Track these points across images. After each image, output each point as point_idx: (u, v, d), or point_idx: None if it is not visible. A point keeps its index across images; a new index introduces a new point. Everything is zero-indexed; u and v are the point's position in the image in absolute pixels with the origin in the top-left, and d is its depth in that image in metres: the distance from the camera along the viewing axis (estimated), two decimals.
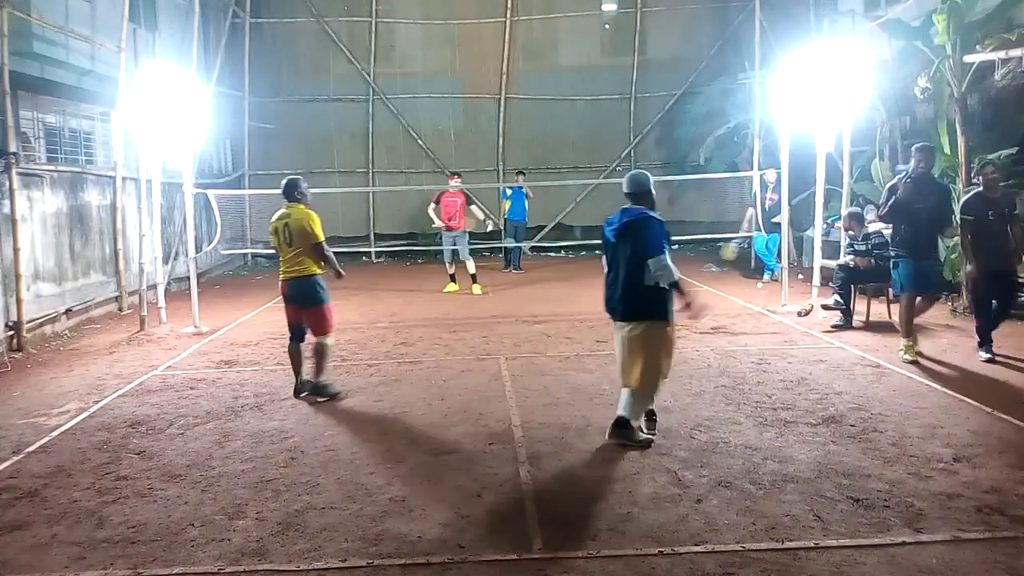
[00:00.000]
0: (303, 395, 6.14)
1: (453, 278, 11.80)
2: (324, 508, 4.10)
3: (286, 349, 6.38)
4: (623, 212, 4.83)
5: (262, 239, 16.32)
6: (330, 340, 6.20)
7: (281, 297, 6.34)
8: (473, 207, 12.06)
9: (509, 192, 13.96)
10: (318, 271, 6.17)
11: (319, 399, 6.04)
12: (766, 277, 12.00)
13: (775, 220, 11.37)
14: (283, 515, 4.02)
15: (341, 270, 6.36)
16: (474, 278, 11.60)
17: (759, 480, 4.27)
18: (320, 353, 6.12)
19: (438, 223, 11.61)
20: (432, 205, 11.73)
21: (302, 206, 6.19)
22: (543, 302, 10.66)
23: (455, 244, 11.60)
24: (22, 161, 8.66)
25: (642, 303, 4.66)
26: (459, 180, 11.83)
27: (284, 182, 6.35)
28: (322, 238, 6.12)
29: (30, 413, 5.97)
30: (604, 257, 4.99)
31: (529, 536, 3.70)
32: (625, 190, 4.92)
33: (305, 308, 6.16)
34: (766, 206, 11.78)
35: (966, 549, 3.47)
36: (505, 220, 14.50)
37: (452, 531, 3.78)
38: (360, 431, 5.33)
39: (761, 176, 11.77)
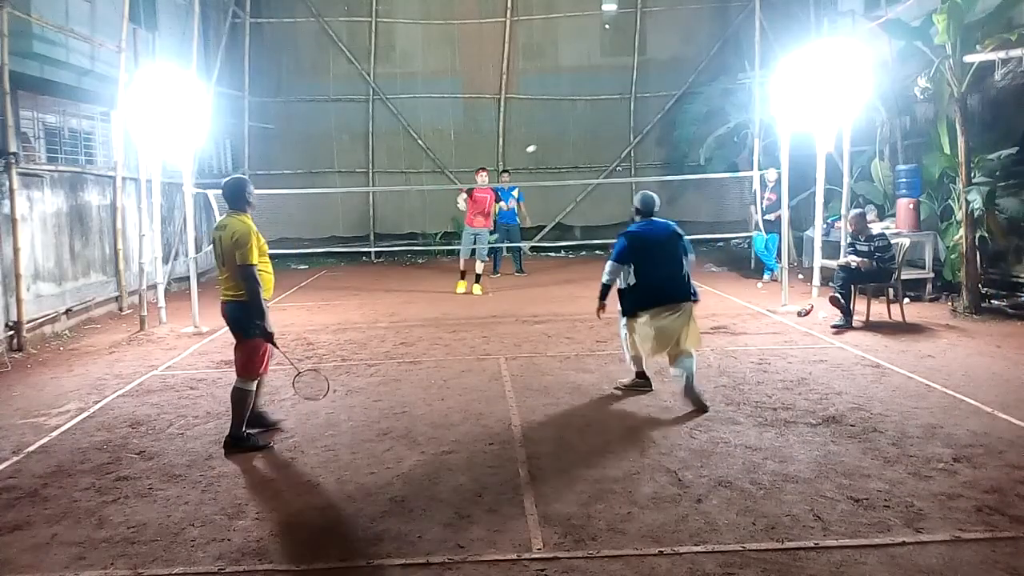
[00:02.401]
0: (258, 432, 5.25)
1: (463, 275, 11.68)
2: (324, 508, 4.10)
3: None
4: (654, 222, 5.95)
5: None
6: (248, 386, 5.10)
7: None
8: (500, 204, 11.92)
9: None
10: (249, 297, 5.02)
11: (236, 451, 4.99)
12: (766, 277, 11.99)
13: (768, 218, 11.35)
14: (283, 515, 4.02)
15: (269, 324, 5.06)
16: (478, 278, 11.61)
17: (759, 480, 4.27)
18: (235, 400, 5.08)
19: (462, 206, 11.52)
20: (463, 195, 11.62)
21: (243, 217, 5.05)
22: (543, 302, 10.66)
23: (475, 242, 11.55)
24: (22, 161, 8.65)
25: (691, 287, 5.85)
26: (486, 175, 11.72)
27: (229, 183, 5.17)
28: (251, 260, 4.89)
29: (30, 413, 5.97)
30: (631, 258, 5.78)
31: (529, 536, 3.70)
32: (647, 209, 5.97)
33: (235, 338, 5.19)
34: (763, 205, 11.74)
35: (966, 549, 3.46)
36: (495, 223, 14.23)
37: (452, 531, 3.78)
38: (360, 431, 5.33)
39: (761, 175, 11.74)
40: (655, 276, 5.76)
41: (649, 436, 5.06)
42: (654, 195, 6.07)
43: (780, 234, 10.70)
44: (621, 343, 6.20)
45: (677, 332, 5.68)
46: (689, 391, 5.59)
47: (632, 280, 5.80)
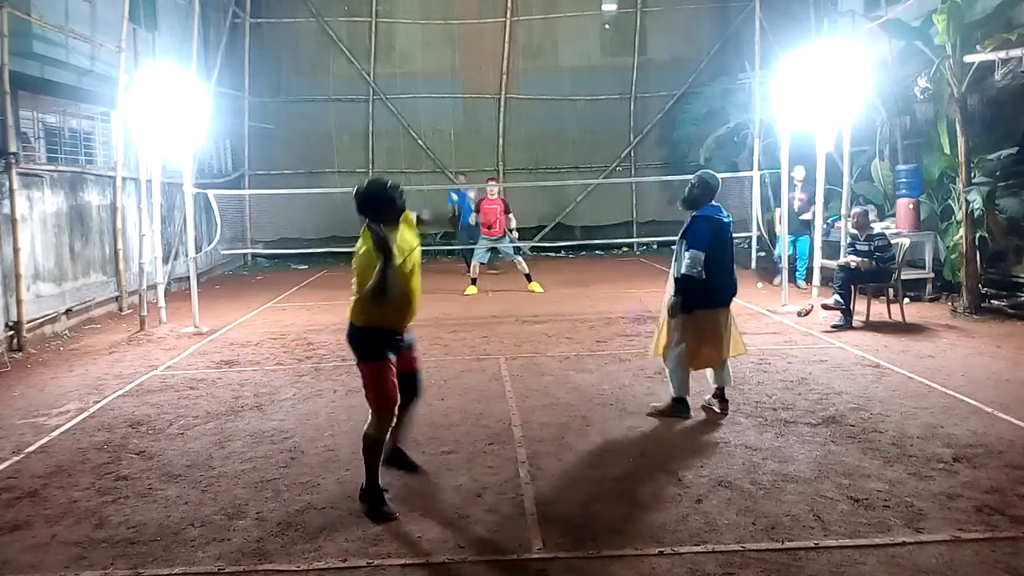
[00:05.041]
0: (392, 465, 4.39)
1: (474, 281, 11.68)
2: (324, 508, 4.10)
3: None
4: (720, 208, 5.39)
5: (262, 239, 16.37)
6: (382, 427, 4.05)
7: None
8: (511, 215, 11.63)
9: (455, 197, 13.66)
10: (367, 319, 3.98)
11: (369, 508, 4.01)
12: (800, 283, 11.05)
13: (804, 218, 10.83)
14: (283, 515, 4.02)
15: (383, 283, 3.74)
16: (529, 278, 11.57)
17: (759, 480, 4.27)
18: (365, 446, 4.06)
19: (473, 221, 11.68)
20: (473, 215, 11.74)
21: (371, 226, 3.87)
22: (543, 302, 10.66)
23: (492, 251, 11.61)
24: (22, 161, 8.65)
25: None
26: (495, 187, 11.77)
27: (364, 187, 4.02)
28: (391, 261, 3.74)
29: (30, 413, 5.97)
30: (703, 250, 5.15)
31: (529, 536, 3.70)
32: (712, 191, 5.36)
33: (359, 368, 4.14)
34: (795, 206, 11.03)
35: (966, 549, 3.46)
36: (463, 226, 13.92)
37: (452, 531, 3.78)
38: (360, 431, 5.30)
39: (789, 175, 10.75)
40: (721, 271, 5.27)
41: (649, 436, 5.06)
42: (716, 174, 5.46)
43: (811, 237, 10.12)
44: (671, 352, 5.43)
45: (729, 335, 5.43)
46: (724, 404, 5.51)
47: (701, 272, 5.13)
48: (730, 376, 5.59)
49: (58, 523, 4.00)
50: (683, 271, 5.16)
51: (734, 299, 5.56)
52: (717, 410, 5.49)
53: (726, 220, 5.38)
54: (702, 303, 5.30)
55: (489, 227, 11.45)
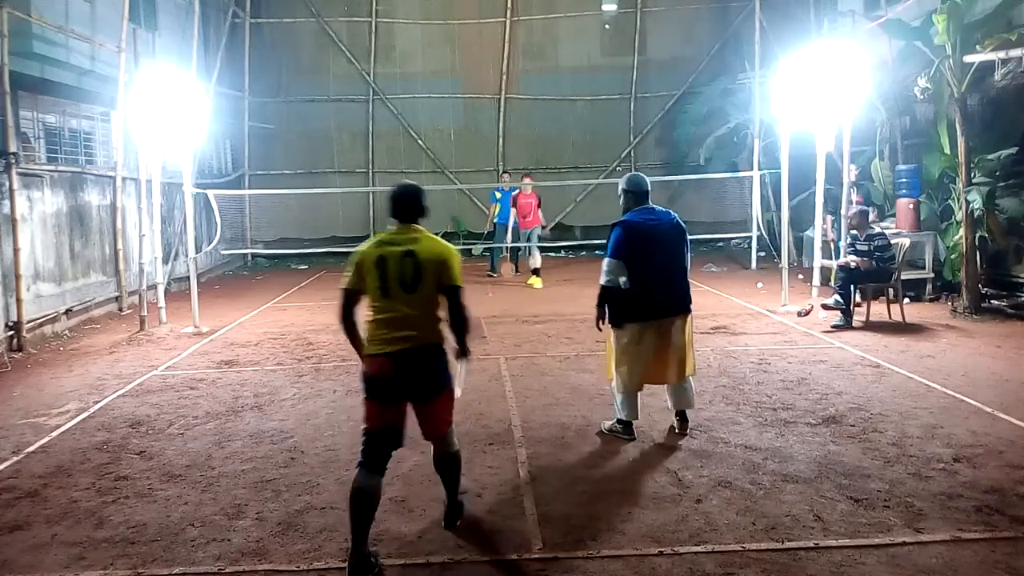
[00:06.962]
0: None
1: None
2: (324, 508, 4.10)
3: (353, 484, 3.57)
4: (654, 210, 5.00)
5: (262, 239, 16.36)
6: (456, 442, 3.88)
7: (366, 383, 3.63)
8: (540, 212, 12.67)
9: (498, 195, 13.70)
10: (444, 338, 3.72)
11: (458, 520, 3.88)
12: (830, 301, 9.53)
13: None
14: (283, 515, 4.02)
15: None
16: (536, 272, 12.16)
17: (759, 480, 4.27)
18: (454, 465, 3.86)
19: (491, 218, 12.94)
20: (513, 211, 12.68)
21: (426, 231, 3.81)
22: (543, 302, 10.66)
23: (528, 240, 12.49)
24: (22, 161, 8.65)
25: (689, 295, 5.08)
26: (531, 179, 12.84)
27: (401, 189, 3.76)
28: (462, 282, 3.72)
29: (30, 413, 5.97)
30: (630, 258, 4.78)
31: (529, 536, 3.70)
32: (641, 191, 4.99)
33: (427, 401, 3.65)
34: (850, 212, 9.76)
35: (966, 549, 3.46)
36: (495, 224, 13.68)
37: (452, 531, 3.78)
38: (360, 431, 5.31)
39: (851, 182, 9.97)
40: (653, 279, 4.80)
41: (649, 436, 5.06)
42: (644, 176, 5.11)
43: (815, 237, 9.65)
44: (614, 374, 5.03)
45: (677, 355, 4.91)
46: (683, 424, 5.06)
47: (625, 281, 4.78)
48: (693, 398, 5.11)
49: (58, 523, 4.00)
50: (600, 281, 4.89)
51: (684, 311, 4.97)
52: (677, 430, 5.06)
53: (658, 221, 4.91)
54: (630, 316, 4.85)
55: (525, 217, 12.38)
